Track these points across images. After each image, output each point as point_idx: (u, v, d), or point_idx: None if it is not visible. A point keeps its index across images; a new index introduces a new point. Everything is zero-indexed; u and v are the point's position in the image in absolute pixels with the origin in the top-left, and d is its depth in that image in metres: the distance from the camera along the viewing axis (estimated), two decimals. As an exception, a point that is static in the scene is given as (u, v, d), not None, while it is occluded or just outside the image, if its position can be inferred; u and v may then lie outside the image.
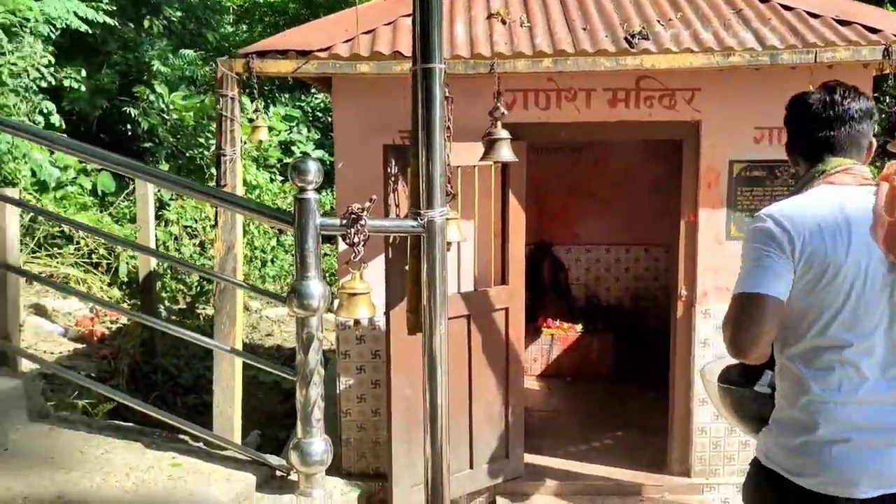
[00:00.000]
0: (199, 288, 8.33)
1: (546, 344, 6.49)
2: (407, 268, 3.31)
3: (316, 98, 13.07)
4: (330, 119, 13.23)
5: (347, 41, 3.79)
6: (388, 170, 3.45)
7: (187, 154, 10.48)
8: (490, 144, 3.47)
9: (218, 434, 2.68)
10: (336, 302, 2.55)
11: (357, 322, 2.51)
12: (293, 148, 11.94)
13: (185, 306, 8.19)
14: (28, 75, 7.38)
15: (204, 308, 8.37)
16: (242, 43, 13.00)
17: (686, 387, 4.56)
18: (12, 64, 7.34)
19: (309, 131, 12.50)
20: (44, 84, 7.79)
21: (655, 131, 4.53)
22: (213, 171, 10.16)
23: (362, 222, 2.30)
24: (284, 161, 11.44)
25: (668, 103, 4.36)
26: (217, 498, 2.25)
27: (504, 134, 3.47)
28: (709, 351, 4.49)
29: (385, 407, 3.95)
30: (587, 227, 7.04)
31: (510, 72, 3.74)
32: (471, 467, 4.12)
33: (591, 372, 6.49)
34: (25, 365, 4.26)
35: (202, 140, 10.34)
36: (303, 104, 12.94)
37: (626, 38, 3.92)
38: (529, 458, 4.63)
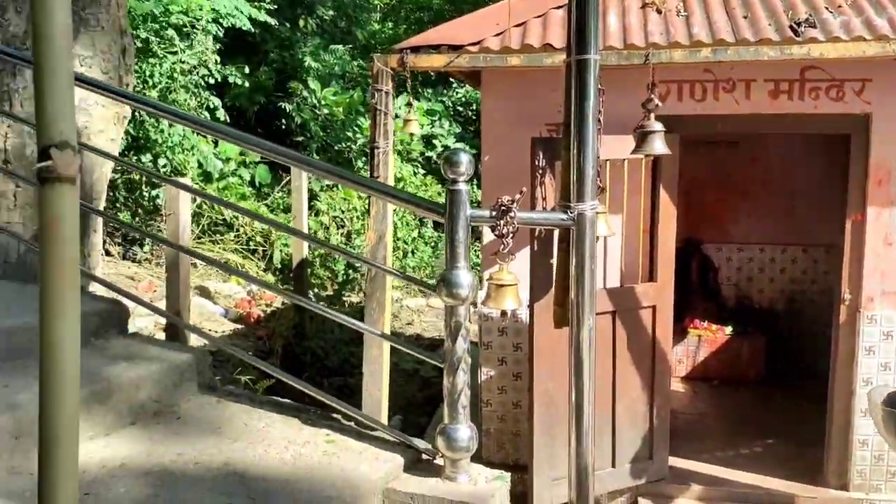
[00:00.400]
0: (345, 276, 8.68)
1: (692, 345, 6.28)
2: (553, 261, 3.31)
3: (457, 92, 13.23)
4: (470, 113, 13.39)
5: (498, 35, 3.83)
6: (536, 162, 3.45)
7: (336, 147, 10.93)
8: (642, 137, 3.39)
9: (367, 415, 2.79)
10: (483, 292, 2.58)
11: (504, 313, 2.52)
12: (434, 141, 12.17)
13: (332, 293, 8.56)
14: (197, 72, 7.95)
15: (349, 296, 8.73)
16: (388, 40, 13.35)
17: (847, 396, 4.27)
18: (183, 62, 7.93)
19: (450, 125, 12.70)
20: (211, 81, 8.37)
21: (821, 125, 4.27)
22: (360, 163, 10.54)
23: (512, 214, 2.32)
24: (426, 154, 11.67)
25: (836, 95, 4.09)
26: (367, 476, 2.32)
27: (657, 126, 3.38)
28: (873, 360, 4.19)
29: (526, 399, 3.96)
30: (740, 225, 6.73)
31: (666, 62, 3.64)
32: (613, 466, 4.06)
33: (740, 376, 6.22)
34: (193, 340, 4.60)
35: (350, 134, 10.75)
36: (444, 98, 13.16)
37: (790, 27, 3.72)
38: (673, 461, 4.51)
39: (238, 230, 8.43)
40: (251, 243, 8.52)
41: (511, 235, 2.34)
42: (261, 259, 8.41)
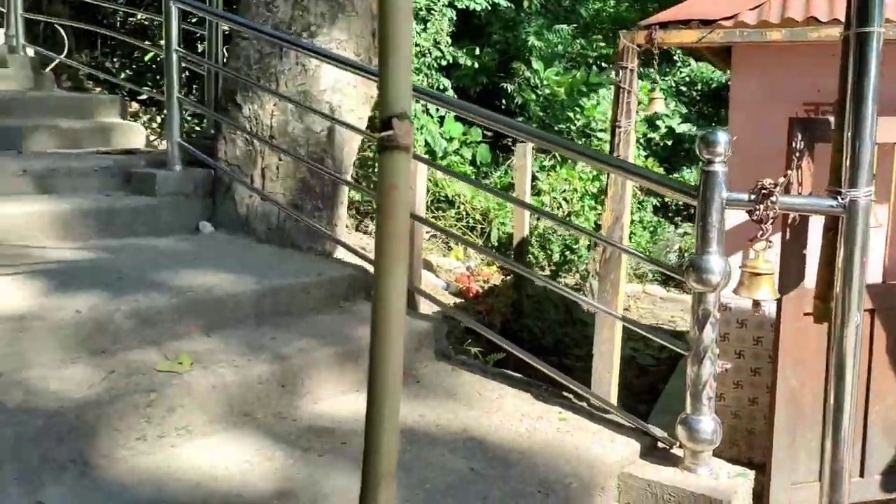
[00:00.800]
0: (562, 257, 8.66)
1: (954, 354, 5.56)
2: (805, 252, 3.07)
3: (681, 72, 12.68)
4: (694, 93, 12.77)
5: (754, 8, 3.57)
6: (793, 144, 3.20)
7: (555, 128, 10.90)
8: (924, 119, 3.03)
9: (601, 397, 2.76)
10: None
11: (756, 303, 2.39)
12: (657, 122, 11.76)
13: (548, 273, 8.59)
14: (430, 54, 8.26)
15: (564, 276, 8.72)
16: (609, 18, 13.05)
17: None
18: (418, 45, 8.27)
19: (675, 105, 12.21)
20: (443, 63, 8.65)
21: None
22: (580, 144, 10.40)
23: (773, 198, 2.19)
24: (648, 136, 11.32)
25: None
26: (602, 457, 2.31)
27: (944, 107, 3.00)
28: None
29: (764, 396, 3.73)
30: None
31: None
32: (861, 475, 3.72)
33: None
34: (421, 309, 4.81)
35: (570, 114, 10.66)
36: (668, 78, 12.66)
37: None
38: (930, 479, 4.04)
39: (458, 207, 8.69)
40: (470, 221, 8.76)
41: (771, 221, 2.21)
42: (479, 236, 8.61)
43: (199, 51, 6.05)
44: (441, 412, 2.51)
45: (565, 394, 2.78)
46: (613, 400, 3.33)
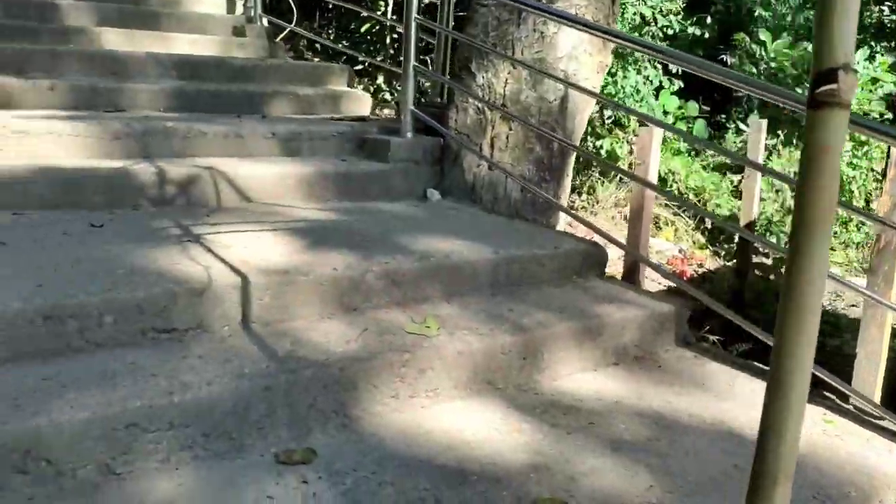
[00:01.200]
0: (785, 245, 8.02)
1: None
2: None
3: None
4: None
5: None
6: None
7: (779, 105, 10.09)
8: None
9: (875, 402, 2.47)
10: None
11: None
12: (896, 101, 10.52)
13: (771, 263, 7.99)
14: (656, 23, 7.89)
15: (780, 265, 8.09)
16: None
17: None
18: (641, 15, 7.93)
19: (913, 84, 10.84)
20: (669, 32, 8.23)
21: None
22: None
23: None
24: (885, 116, 10.16)
25: None
26: (879, 467, 2.07)
27: None
28: None
29: None
30: None
31: None
32: None
33: None
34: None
35: (800, 91, 9.80)
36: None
37: None
38: None
39: (671, 186, 8.28)
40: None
41: None
42: (691, 217, 8.16)
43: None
44: (690, 401, 2.35)
45: (826, 394, 2.52)
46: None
